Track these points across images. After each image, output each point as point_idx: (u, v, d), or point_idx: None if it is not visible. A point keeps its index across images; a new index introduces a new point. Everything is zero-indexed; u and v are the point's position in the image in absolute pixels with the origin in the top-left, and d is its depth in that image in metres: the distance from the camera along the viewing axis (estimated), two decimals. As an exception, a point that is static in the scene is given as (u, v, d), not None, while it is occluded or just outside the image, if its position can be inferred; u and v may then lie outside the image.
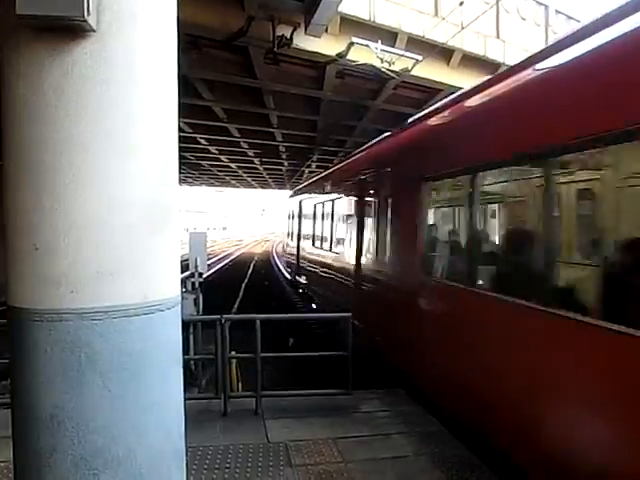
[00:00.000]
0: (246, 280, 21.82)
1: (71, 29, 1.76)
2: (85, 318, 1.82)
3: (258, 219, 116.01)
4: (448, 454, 3.99)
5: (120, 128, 1.84)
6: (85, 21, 1.71)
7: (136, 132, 1.89)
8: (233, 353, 5.46)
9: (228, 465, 3.79)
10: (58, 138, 1.78)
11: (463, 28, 10.46)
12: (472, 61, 12.48)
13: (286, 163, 27.07)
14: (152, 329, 1.97)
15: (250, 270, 26.55)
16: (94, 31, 1.80)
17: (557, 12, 14.75)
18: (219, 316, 4.96)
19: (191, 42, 9.85)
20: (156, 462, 2.03)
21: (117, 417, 1.88)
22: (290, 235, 18.49)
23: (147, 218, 1.93)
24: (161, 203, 2.01)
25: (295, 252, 16.00)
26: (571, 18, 14.91)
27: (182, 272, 6.27)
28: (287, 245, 20.10)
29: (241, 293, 17.92)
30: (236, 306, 15.22)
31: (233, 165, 28.65)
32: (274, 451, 4.04)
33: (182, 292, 7.73)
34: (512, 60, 10.19)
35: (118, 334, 1.86)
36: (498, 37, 12.89)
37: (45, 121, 1.79)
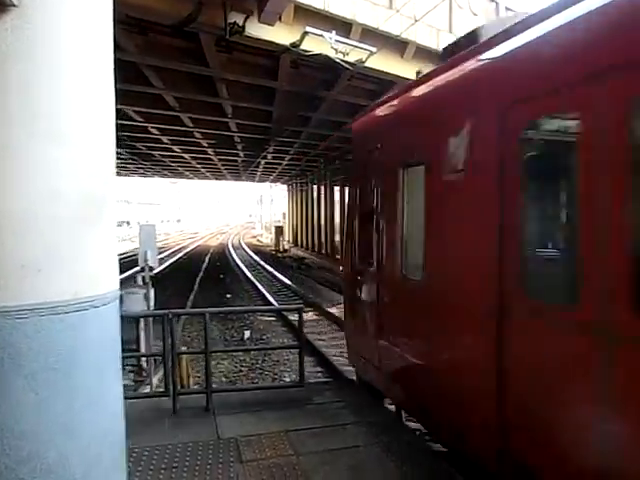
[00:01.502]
0: (201, 274, 21.39)
1: (-13, 2, 1.61)
2: (8, 317, 1.69)
3: (213, 211, 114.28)
4: (400, 443, 4.03)
5: (44, 112, 1.71)
6: (3, -6, 1.57)
7: (63, 116, 1.76)
8: (184, 349, 5.33)
9: (176, 464, 3.68)
10: (-26, 121, 1.64)
11: (416, 21, 10.55)
12: (425, 54, 12.62)
13: (242, 154, 26.60)
14: (85, 327, 1.86)
15: (205, 264, 26.06)
16: (15, 5, 1.65)
17: (507, 9, 15.14)
18: (166, 311, 4.80)
19: (135, 25, 9.44)
20: (92, 466, 1.93)
21: (46, 421, 1.76)
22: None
23: (77, 210, 1.81)
24: (93, 194, 1.88)
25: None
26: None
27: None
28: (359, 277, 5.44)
29: (196, 286, 17.56)
30: (191, 299, 14.92)
31: (186, 156, 27.92)
32: (224, 447, 3.96)
33: (132, 287, 7.37)
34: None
35: (46, 333, 1.74)
36: (450, 31, 13.08)
37: (-41, 102, 1.64)
